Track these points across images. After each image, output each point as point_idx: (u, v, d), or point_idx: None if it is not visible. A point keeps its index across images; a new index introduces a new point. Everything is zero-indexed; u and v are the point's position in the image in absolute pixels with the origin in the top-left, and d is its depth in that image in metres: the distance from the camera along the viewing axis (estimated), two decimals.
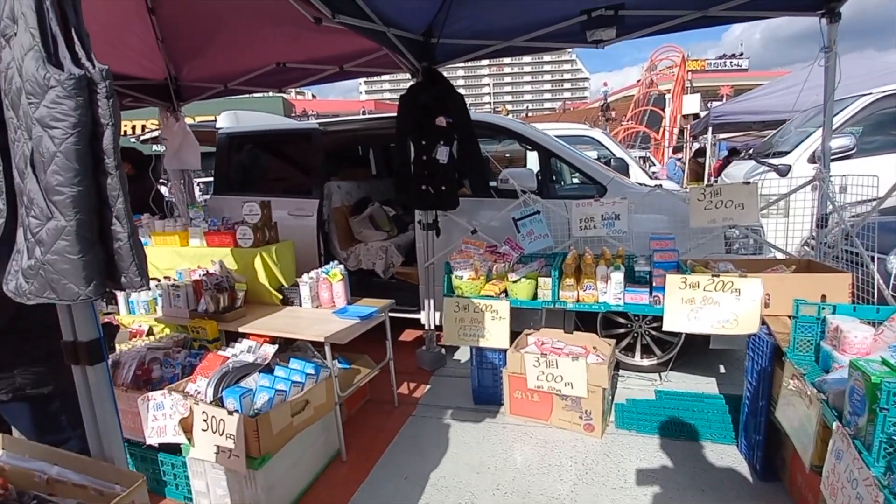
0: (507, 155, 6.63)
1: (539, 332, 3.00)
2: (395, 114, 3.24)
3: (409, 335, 4.31)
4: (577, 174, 3.73)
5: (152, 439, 2.14)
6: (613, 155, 5.76)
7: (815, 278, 2.13)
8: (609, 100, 22.59)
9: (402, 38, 2.85)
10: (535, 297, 2.74)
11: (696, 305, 2.28)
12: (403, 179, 3.19)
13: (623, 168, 4.85)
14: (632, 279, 2.62)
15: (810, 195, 2.76)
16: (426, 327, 3.62)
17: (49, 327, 1.16)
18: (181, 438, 2.12)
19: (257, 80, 3.93)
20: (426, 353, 3.58)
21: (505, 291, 2.80)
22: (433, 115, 3.00)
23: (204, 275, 2.80)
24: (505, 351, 2.74)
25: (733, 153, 7.95)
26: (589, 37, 2.73)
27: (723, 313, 2.22)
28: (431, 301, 3.54)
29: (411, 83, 3.14)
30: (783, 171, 4.08)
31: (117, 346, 2.62)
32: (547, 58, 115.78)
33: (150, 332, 2.88)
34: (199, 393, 2.15)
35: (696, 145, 10.08)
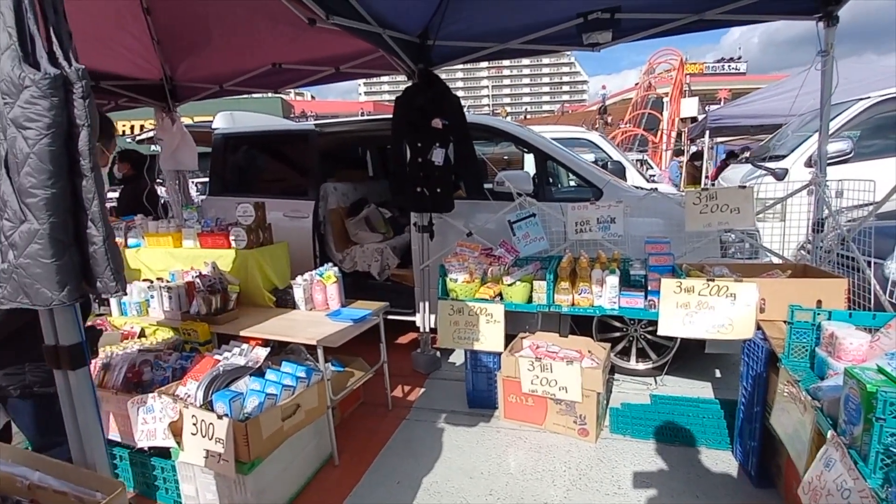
0: (506, 157, 6.63)
1: (534, 335, 2.98)
2: (392, 115, 3.22)
3: (405, 338, 4.29)
4: (573, 177, 3.71)
5: (142, 442, 2.12)
6: (610, 158, 5.76)
7: (811, 283, 2.12)
8: (607, 102, 22.63)
9: (397, 39, 2.83)
10: (530, 300, 2.72)
11: (692, 310, 2.27)
12: (399, 181, 3.18)
13: (620, 171, 4.86)
14: (627, 283, 2.61)
15: (807, 199, 2.75)
16: (421, 330, 3.60)
17: None
18: (170, 442, 2.10)
19: (253, 81, 3.91)
20: (421, 356, 3.56)
21: (500, 294, 2.78)
22: (429, 117, 2.99)
23: (197, 276, 2.78)
24: (499, 354, 2.72)
25: (731, 156, 7.95)
26: (585, 40, 2.72)
27: (718, 318, 2.21)
28: (426, 303, 3.52)
29: (408, 85, 3.12)
30: (780, 175, 4.08)
31: (109, 349, 2.59)
32: (545, 60, 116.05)
33: (141, 335, 2.85)
34: (188, 396, 2.13)
35: (693, 149, 10.08)
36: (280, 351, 2.92)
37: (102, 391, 2.27)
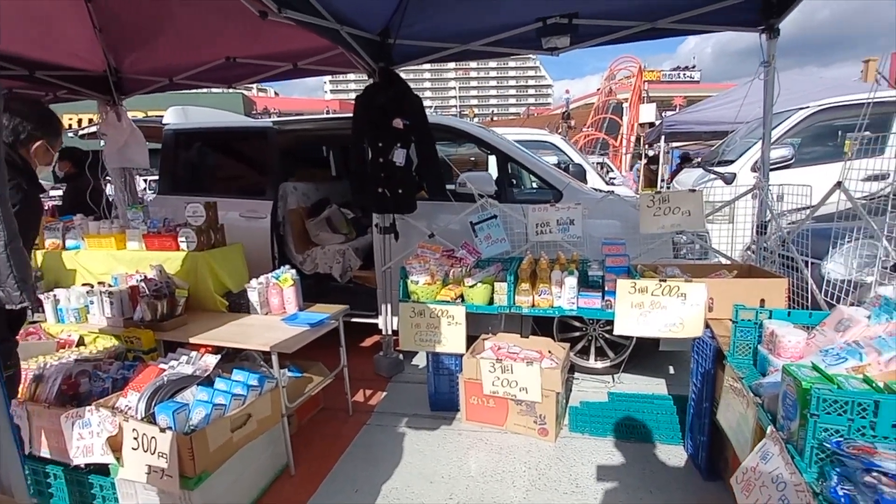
0: (472, 158, 6.65)
1: (496, 336, 2.99)
2: (352, 114, 3.16)
3: (368, 340, 4.22)
4: (535, 179, 3.75)
5: (78, 459, 1.98)
6: (571, 161, 5.88)
7: (755, 283, 2.22)
8: (571, 107, 23.19)
9: (357, 37, 2.77)
10: (491, 301, 2.72)
11: (645, 309, 2.33)
12: (360, 182, 3.12)
13: (581, 174, 4.95)
14: (585, 284, 2.66)
15: (751, 203, 2.89)
16: (383, 332, 3.55)
17: None
18: (109, 458, 1.97)
19: (206, 75, 3.74)
20: (383, 359, 3.51)
21: (461, 296, 2.77)
22: (390, 116, 2.94)
23: (142, 280, 2.62)
24: (461, 356, 2.71)
25: (685, 161, 8.32)
26: (544, 44, 2.75)
27: (670, 317, 2.28)
28: (389, 306, 3.47)
29: (368, 84, 3.07)
30: (728, 179, 4.28)
31: (42, 359, 2.40)
32: (512, 63, 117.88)
33: (80, 343, 2.67)
34: (129, 408, 2.00)
35: (651, 153, 10.47)
36: (235, 358, 2.81)
37: (34, 405, 2.11)
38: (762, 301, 2.14)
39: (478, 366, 2.61)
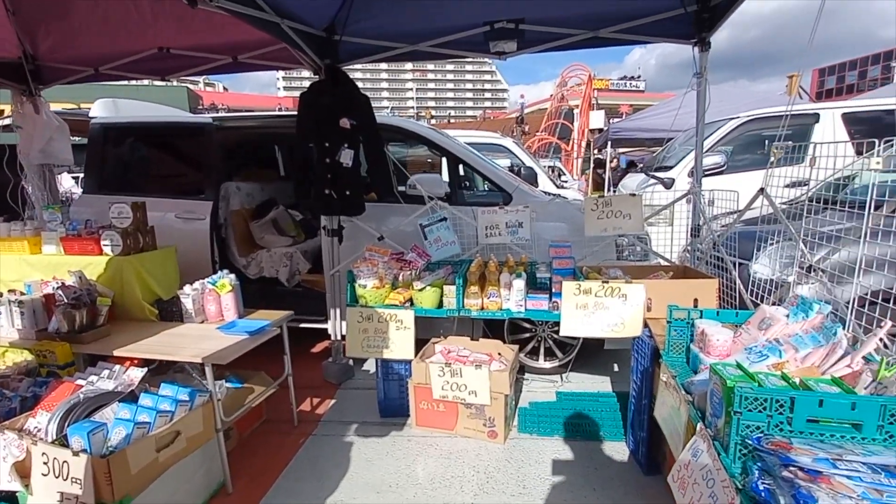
0: (429, 160, 6.62)
1: (446, 340, 2.97)
2: (296, 112, 3.04)
3: (319, 346, 4.09)
4: (486, 181, 3.77)
5: None
6: (523, 164, 5.98)
7: (689, 283, 2.33)
8: (526, 111, 23.70)
9: (300, 32, 2.67)
10: (440, 305, 2.69)
11: (589, 310, 2.38)
12: (304, 183, 3.00)
13: (532, 177, 5.05)
14: (534, 286, 2.69)
15: (688, 206, 3.04)
16: (332, 338, 3.44)
17: None
18: (17, 486, 1.78)
19: (136, 66, 3.49)
20: (332, 365, 3.40)
21: (410, 300, 2.73)
22: (336, 116, 2.85)
23: (58, 288, 2.39)
24: (410, 361, 2.66)
25: (631, 166, 8.71)
26: (492, 48, 2.77)
27: (612, 317, 2.34)
28: (338, 310, 3.37)
29: (313, 81, 2.96)
30: (668, 184, 4.50)
31: None
32: (468, 67, 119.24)
33: None
34: (39, 430, 1.81)
35: (599, 157, 10.89)
36: (169, 370, 2.62)
37: None
38: (695, 301, 2.25)
39: (427, 370, 2.57)
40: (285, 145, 5.13)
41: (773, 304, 1.94)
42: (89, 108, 3.99)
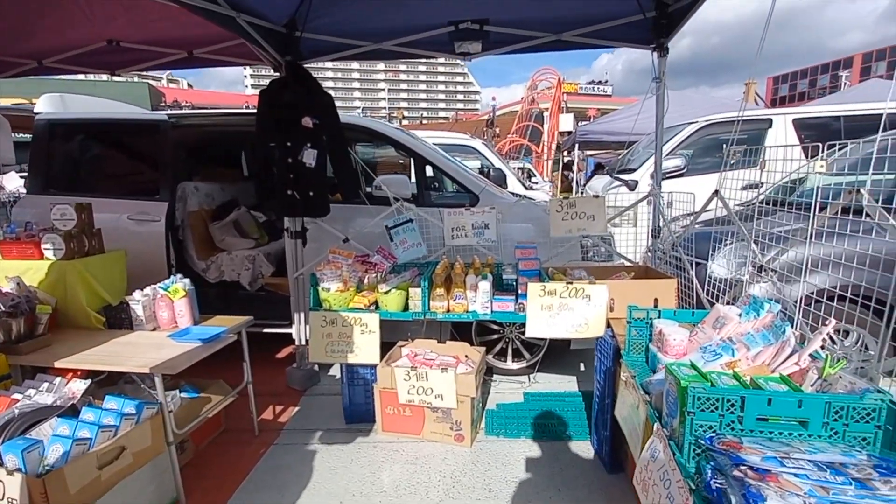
0: (401, 161, 6.56)
1: (413, 343, 2.93)
2: (256, 110, 2.93)
3: (284, 351, 3.98)
4: (454, 183, 3.76)
5: None
6: (492, 165, 6.01)
7: (649, 283, 2.37)
8: (497, 113, 23.90)
9: (258, 27, 2.58)
10: (406, 308, 2.65)
11: (554, 311, 2.39)
12: (265, 183, 2.90)
13: (501, 178, 5.07)
14: (500, 287, 2.68)
15: (648, 208, 3.10)
16: (297, 343, 3.35)
17: None
18: None
19: (84, 59, 3.29)
20: (297, 371, 3.30)
21: (375, 303, 2.68)
22: (298, 114, 2.77)
23: None
24: (376, 366, 2.61)
25: (598, 168, 8.91)
26: (457, 48, 2.75)
27: (576, 318, 2.36)
28: (302, 314, 3.28)
29: (273, 78, 2.87)
30: (632, 186, 4.60)
31: None
32: (441, 69, 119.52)
33: None
34: None
35: (568, 159, 11.09)
36: (119, 381, 2.48)
37: None
38: (656, 300, 2.29)
39: (392, 374, 2.53)
40: (248, 144, 4.96)
41: (728, 303, 1.99)
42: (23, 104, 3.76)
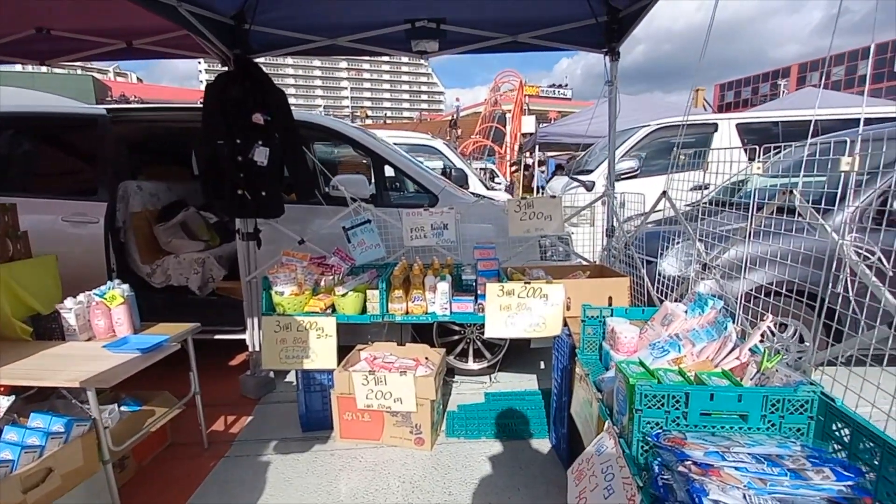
0: (364, 161, 6.44)
1: (371, 346, 2.87)
2: (202, 106, 2.78)
3: (238, 357, 3.82)
4: (413, 183, 3.72)
5: None
6: (454, 165, 6.01)
7: (604, 282, 2.42)
8: (462, 114, 24.00)
9: (203, 18, 2.44)
10: (364, 311, 2.59)
11: (513, 311, 2.40)
12: (214, 183, 2.76)
13: (462, 178, 5.07)
14: (459, 288, 2.67)
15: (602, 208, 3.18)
16: (250, 349, 3.21)
17: None
18: None
19: (11, 49, 3.02)
20: (250, 379, 3.17)
21: (332, 307, 2.60)
22: (248, 110, 2.65)
23: None
24: (333, 371, 2.53)
25: (559, 169, 9.11)
26: (413, 46, 2.72)
27: (534, 317, 2.37)
28: (256, 320, 3.14)
29: (220, 72, 2.73)
30: (589, 186, 4.71)
31: None
32: (405, 68, 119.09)
33: None
34: None
35: (530, 161, 11.29)
36: (51, 396, 2.29)
37: None
38: (610, 299, 2.34)
39: (350, 379, 2.46)
40: (196, 141, 4.73)
41: (676, 300, 2.06)
42: None
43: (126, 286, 2.41)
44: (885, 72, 42.09)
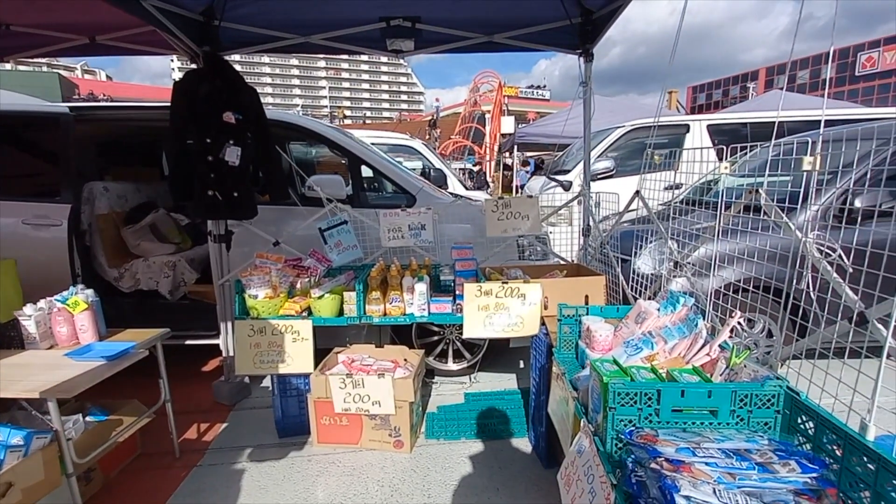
0: (343, 161, 6.36)
1: (349, 348, 2.83)
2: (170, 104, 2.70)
3: (212, 363, 3.72)
4: (391, 183, 3.69)
5: None
6: (433, 165, 6.00)
7: (580, 281, 2.44)
8: (442, 114, 24.01)
9: (169, 13, 2.36)
10: (340, 312, 2.56)
11: (491, 311, 2.40)
12: (183, 183, 2.68)
13: (441, 179, 5.06)
14: (437, 289, 2.65)
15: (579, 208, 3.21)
16: (224, 354, 3.13)
17: None
18: None
19: None
20: (224, 385, 3.09)
21: (308, 309, 2.55)
22: (218, 109, 2.58)
23: None
24: (310, 375, 2.49)
25: (538, 168, 9.20)
26: (389, 45, 2.69)
27: (512, 317, 2.38)
28: (230, 324, 3.07)
29: (189, 69, 2.65)
30: (566, 186, 4.76)
31: None
32: (384, 68, 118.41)
33: None
34: None
35: (509, 161, 11.38)
36: (11, 408, 2.18)
37: None
38: (587, 297, 2.36)
39: (327, 383, 2.42)
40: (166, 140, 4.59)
41: (650, 298, 2.09)
42: None
43: (90, 291, 2.32)
44: (847, 75, 43.98)
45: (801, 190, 1.61)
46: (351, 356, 2.75)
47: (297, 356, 2.47)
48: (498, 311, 2.40)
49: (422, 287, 2.49)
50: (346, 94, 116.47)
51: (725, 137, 5.24)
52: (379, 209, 3.08)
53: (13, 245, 3.02)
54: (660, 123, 2.62)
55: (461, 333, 3.20)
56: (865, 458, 1.01)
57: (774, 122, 1.84)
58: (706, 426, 1.19)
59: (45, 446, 1.72)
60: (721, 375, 1.34)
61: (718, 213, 1.81)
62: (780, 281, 1.63)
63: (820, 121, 1.73)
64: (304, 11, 2.63)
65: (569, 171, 5.33)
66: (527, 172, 11.92)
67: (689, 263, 2.10)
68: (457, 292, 2.58)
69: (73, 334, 2.22)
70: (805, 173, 1.50)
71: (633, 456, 1.11)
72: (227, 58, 2.73)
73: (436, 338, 3.29)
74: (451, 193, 4.26)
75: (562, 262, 3.09)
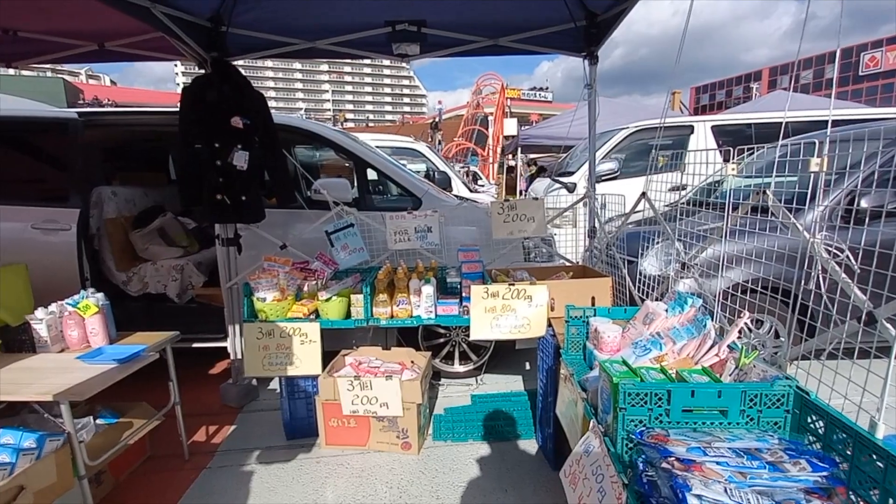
0: (347, 165, 6.40)
1: (357, 351, 2.85)
2: (179, 109, 2.73)
3: (220, 366, 3.74)
4: (397, 186, 3.71)
5: None
6: (437, 168, 6.02)
7: (586, 283, 2.45)
8: (444, 117, 24.04)
9: (178, 20, 2.40)
10: (348, 315, 2.57)
11: (497, 313, 2.41)
12: (191, 188, 2.71)
13: (445, 181, 5.08)
14: (444, 291, 2.67)
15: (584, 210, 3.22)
16: (232, 357, 3.15)
17: None
18: None
19: None
20: (232, 388, 3.11)
21: (316, 312, 2.57)
22: (226, 114, 2.61)
23: None
24: (318, 377, 2.50)
25: (541, 171, 9.20)
26: (395, 50, 2.71)
27: (518, 319, 2.39)
28: (237, 327, 3.09)
29: (198, 74, 2.68)
30: (571, 188, 4.77)
31: None
32: (387, 71, 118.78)
33: None
34: None
35: (512, 163, 11.40)
36: (22, 411, 2.20)
37: None
38: (593, 299, 2.37)
39: (335, 385, 2.44)
40: (174, 146, 4.63)
41: (657, 299, 2.09)
42: None
43: (101, 295, 2.34)
44: (851, 75, 43.80)
45: (809, 191, 1.62)
46: (358, 358, 2.76)
47: (306, 358, 2.49)
48: (505, 312, 2.41)
49: (429, 289, 2.51)
50: (350, 97, 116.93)
51: (730, 138, 5.24)
52: (385, 212, 3.10)
53: (23, 249, 3.05)
54: (665, 125, 2.62)
55: (467, 335, 3.22)
56: (875, 457, 1.01)
57: (779, 123, 1.84)
58: (716, 426, 1.20)
59: (58, 449, 1.74)
60: (730, 376, 1.34)
61: (726, 214, 1.82)
62: (788, 281, 1.63)
63: (824, 121, 1.73)
64: (311, 17, 2.66)
65: (573, 173, 5.33)
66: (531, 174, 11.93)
67: (696, 265, 2.10)
68: (463, 294, 2.59)
69: (84, 337, 2.25)
70: (812, 174, 1.50)
71: (643, 456, 1.12)
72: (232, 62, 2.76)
73: (442, 340, 3.30)
74: (455, 196, 4.27)
75: (567, 264, 3.09)
